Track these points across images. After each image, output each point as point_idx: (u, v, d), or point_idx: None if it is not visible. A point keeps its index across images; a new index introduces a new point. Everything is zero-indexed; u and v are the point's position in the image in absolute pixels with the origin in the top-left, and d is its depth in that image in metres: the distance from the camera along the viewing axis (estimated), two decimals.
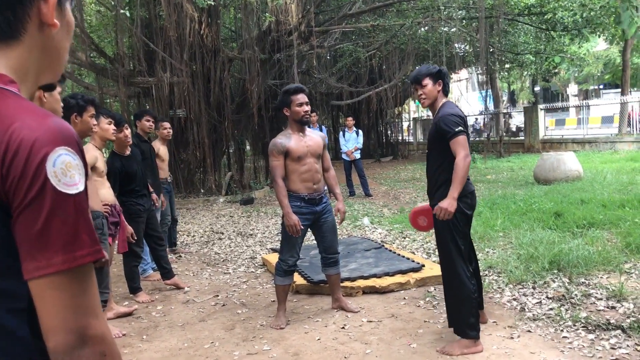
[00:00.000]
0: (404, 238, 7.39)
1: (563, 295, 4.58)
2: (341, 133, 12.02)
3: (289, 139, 4.38)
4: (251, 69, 12.27)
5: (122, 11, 11.61)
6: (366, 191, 11.92)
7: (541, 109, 22.52)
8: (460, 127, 3.70)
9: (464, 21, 11.58)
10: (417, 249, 6.73)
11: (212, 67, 12.79)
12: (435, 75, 3.84)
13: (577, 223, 7.00)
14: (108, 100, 14.86)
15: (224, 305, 5.16)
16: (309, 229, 4.57)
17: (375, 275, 5.28)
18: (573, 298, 4.52)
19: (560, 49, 16.15)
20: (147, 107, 14.18)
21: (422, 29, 14.26)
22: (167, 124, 7.28)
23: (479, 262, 5.91)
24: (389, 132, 25.74)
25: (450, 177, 3.73)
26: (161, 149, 7.18)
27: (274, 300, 4.93)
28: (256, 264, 6.63)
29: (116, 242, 4.90)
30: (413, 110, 35.56)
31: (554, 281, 4.97)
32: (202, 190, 13.62)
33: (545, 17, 12.06)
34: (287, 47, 12.59)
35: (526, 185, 11.59)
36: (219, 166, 14.37)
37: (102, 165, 4.72)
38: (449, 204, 3.63)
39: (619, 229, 6.52)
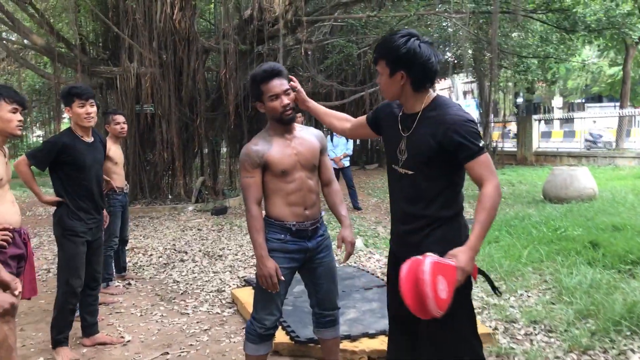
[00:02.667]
0: None
1: None
2: (329, 137, 10.59)
3: (268, 145, 2.92)
4: (229, 61, 10.79)
5: None
6: (355, 204, 10.53)
7: (535, 120, 21.44)
8: (482, 141, 2.35)
9: (471, 16, 10.28)
10: None
11: (185, 57, 11.27)
12: (395, 62, 2.36)
13: (621, 257, 5.70)
14: None
15: None
16: (296, 273, 3.13)
17: (384, 333, 3.86)
18: None
19: (572, 53, 14.97)
20: (111, 100, 12.69)
21: (423, 26, 12.94)
22: (120, 118, 5.79)
23: (513, 308, 4.61)
24: None
25: (452, 215, 2.42)
26: (113, 148, 5.70)
27: None
28: (224, 301, 5.17)
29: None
30: None
31: (633, 350, 3.60)
32: (169, 197, 12.08)
33: (566, 14, 10.78)
34: (271, 39, 11.14)
35: (535, 203, 10.32)
36: (189, 170, 12.83)
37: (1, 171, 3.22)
38: (469, 259, 2.22)
39: None
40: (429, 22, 13.33)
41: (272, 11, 10.38)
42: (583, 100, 40.34)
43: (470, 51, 14.79)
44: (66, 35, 12.67)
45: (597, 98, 39.33)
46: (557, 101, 39.71)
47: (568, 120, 25.94)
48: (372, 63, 2.77)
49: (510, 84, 24.23)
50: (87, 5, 11.73)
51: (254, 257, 6.57)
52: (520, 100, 40.30)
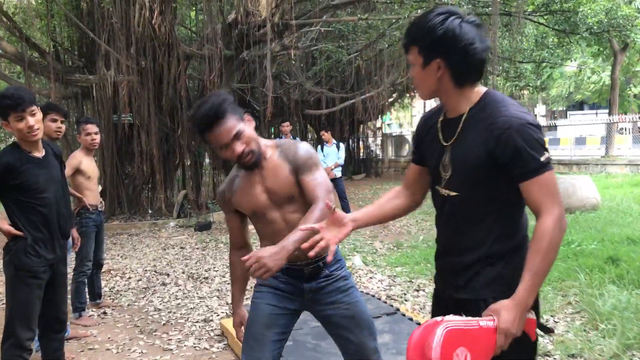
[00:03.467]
0: (417, 290, 5.43)
1: None
2: (319, 147, 10.03)
3: (234, 185, 2.40)
4: (213, 67, 10.19)
5: None
6: None
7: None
8: (547, 153, 1.74)
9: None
10: None
11: (165, 64, 10.65)
12: (430, 48, 1.78)
13: None
14: (38, 102, 12.55)
15: None
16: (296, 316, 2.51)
17: None
18: None
19: (568, 57, 14.58)
20: (87, 110, 12.03)
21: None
22: (92, 127, 5.17)
23: (543, 337, 4.07)
24: (363, 146, 23.77)
25: (511, 248, 1.82)
26: (85, 161, 5.09)
27: None
28: (212, 333, 4.55)
29: None
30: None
31: None
32: (149, 211, 11.40)
33: (567, 16, 10.35)
34: (257, 43, 10.56)
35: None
36: (170, 183, 12.17)
37: None
38: (514, 319, 1.67)
39: None
40: None
41: (257, 15, 9.82)
42: (565, 109, 40.41)
43: None
44: (39, 42, 11.98)
45: (579, 106, 39.40)
46: (540, 109, 39.67)
47: (551, 128, 25.71)
48: (403, 49, 1.95)
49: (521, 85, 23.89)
50: (61, 10, 11.08)
51: None
52: None
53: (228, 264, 6.85)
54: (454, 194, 1.88)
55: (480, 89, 1.88)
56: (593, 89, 30.51)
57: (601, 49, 17.09)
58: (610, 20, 10.92)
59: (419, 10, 10.40)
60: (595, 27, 10.78)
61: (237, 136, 2.21)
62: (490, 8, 9.91)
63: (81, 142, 5.12)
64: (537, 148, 1.71)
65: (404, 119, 38.13)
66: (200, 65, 12.22)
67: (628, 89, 27.06)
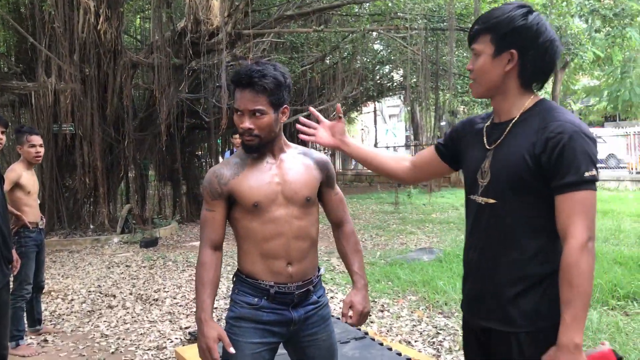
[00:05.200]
0: (382, 311, 5.24)
1: None
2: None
3: (238, 168, 2.11)
4: (161, 75, 9.79)
5: None
6: None
7: None
8: (595, 171, 1.57)
9: (424, 33, 9.81)
10: (411, 334, 4.59)
11: (110, 72, 10.16)
12: (508, 36, 1.64)
13: (610, 291, 5.24)
14: None
15: None
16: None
17: None
18: None
19: None
20: (25, 119, 11.38)
21: (370, 43, 12.44)
22: (37, 139, 4.78)
23: None
24: None
25: (550, 272, 1.63)
26: (25, 175, 4.68)
27: None
28: None
29: None
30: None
31: None
32: (91, 227, 10.81)
33: None
34: (208, 53, 10.22)
35: None
36: (114, 196, 11.62)
37: None
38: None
39: None
40: (377, 41, 12.85)
41: (209, 23, 9.51)
42: None
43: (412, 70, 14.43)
44: None
45: None
46: None
47: None
48: (470, 39, 1.82)
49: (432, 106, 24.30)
50: None
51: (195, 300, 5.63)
52: (443, 123, 41.09)
53: (178, 285, 6.52)
54: (491, 201, 1.70)
55: (536, 96, 1.73)
56: None
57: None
58: (560, 38, 11.22)
59: (375, 24, 10.42)
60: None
61: (254, 113, 2.03)
62: (445, 23, 9.98)
63: (22, 154, 4.71)
64: (585, 161, 1.55)
65: (350, 133, 38.36)
66: (147, 74, 11.77)
67: (567, 105, 28.14)
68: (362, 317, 2.20)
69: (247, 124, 2.04)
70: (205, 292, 2.03)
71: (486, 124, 1.81)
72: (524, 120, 1.68)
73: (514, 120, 1.70)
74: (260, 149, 2.10)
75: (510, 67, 1.67)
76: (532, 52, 1.65)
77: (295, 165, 2.16)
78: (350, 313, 2.21)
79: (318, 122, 2.23)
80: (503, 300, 1.67)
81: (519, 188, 1.64)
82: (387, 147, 29.53)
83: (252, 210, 2.06)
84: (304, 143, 4.57)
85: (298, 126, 2.21)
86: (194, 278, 2.10)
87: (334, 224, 2.34)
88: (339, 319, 4.75)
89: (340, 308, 5.32)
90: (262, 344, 2.08)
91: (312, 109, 2.45)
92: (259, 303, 2.08)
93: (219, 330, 1.99)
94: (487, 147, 1.74)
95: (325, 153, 25.96)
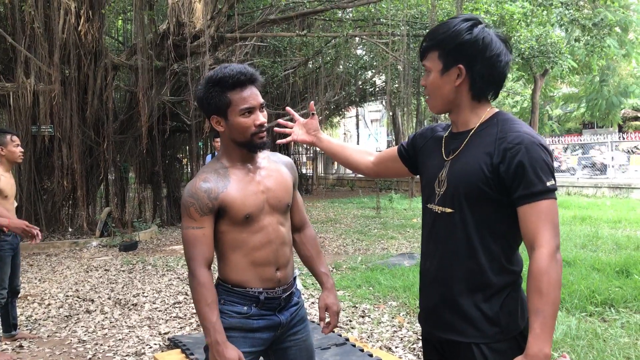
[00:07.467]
0: (363, 317, 5.24)
1: None
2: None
3: (224, 181, 2.03)
4: (143, 77, 9.71)
5: None
6: None
7: None
8: (553, 180, 1.60)
9: (406, 39, 9.86)
10: (391, 339, 4.60)
11: (91, 73, 10.07)
12: (454, 52, 1.65)
13: (588, 298, 5.29)
14: None
15: None
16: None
17: None
18: None
19: None
20: (2, 120, 11.19)
21: (352, 49, 12.47)
22: (16, 139, 4.72)
23: None
24: (296, 163, 23.66)
25: (506, 283, 1.65)
26: (2, 179, 4.61)
27: None
28: None
29: None
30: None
31: None
32: (69, 230, 10.68)
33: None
34: (190, 55, 10.17)
35: None
36: (93, 199, 11.48)
37: None
38: None
39: None
40: (359, 46, 12.89)
41: (191, 26, 9.46)
42: None
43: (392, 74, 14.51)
44: None
45: None
46: None
47: None
48: (419, 54, 1.85)
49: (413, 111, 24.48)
50: None
51: (177, 306, 5.56)
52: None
53: (158, 290, 6.46)
54: (448, 210, 1.70)
55: (493, 109, 1.75)
56: (513, 112, 31.92)
57: (523, 73, 17.91)
58: (540, 46, 11.40)
59: (358, 29, 10.44)
60: (526, 53, 11.21)
61: (262, 107, 2.04)
62: (427, 30, 10.00)
63: (5, 155, 4.63)
64: (544, 171, 1.57)
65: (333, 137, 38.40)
66: (128, 76, 11.67)
67: (546, 112, 28.52)
68: (338, 316, 2.24)
69: (263, 118, 2.03)
70: (214, 314, 1.95)
71: (445, 135, 1.82)
72: (482, 130, 1.69)
73: (471, 132, 1.71)
74: (266, 145, 2.09)
75: (459, 81, 1.68)
76: (479, 66, 1.65)
77: (271, 172, 2.14)
78: (328, 317, 2.22)
79: (293, 120, 2.30)
80: (461, 311, 1.67)
81: (475, 197, 1.64)
82: None
83: (243, 222, 2.03)
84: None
85: (276, 129, 2.29)
86: (193, 298, 1.99)
87: (297, 226, 2.30)
88: (319, 324, 4.75)
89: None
90: (251, 354, 2.07)
91: (288, 108, 2.49)
92: (249, 311, 2.06)
93: (238, 351, 1.95)
94: (445, 157, 1.76)
95: (307, 157, 26.02)
